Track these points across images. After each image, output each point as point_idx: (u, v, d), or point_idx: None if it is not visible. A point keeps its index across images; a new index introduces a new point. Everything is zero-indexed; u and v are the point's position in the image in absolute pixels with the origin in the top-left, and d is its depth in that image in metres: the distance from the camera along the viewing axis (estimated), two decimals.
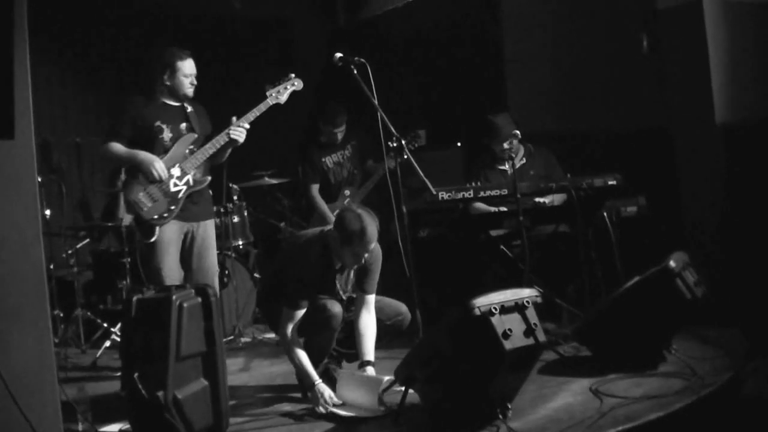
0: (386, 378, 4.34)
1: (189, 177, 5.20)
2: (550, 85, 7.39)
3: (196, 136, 5.27)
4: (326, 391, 4.48)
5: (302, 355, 4.56)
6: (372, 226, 4.49)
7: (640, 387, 4.35)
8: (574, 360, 5.10)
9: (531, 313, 3.88)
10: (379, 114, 4.82)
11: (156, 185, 5.12)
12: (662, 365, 4.69)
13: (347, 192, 6.79)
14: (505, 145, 6.00)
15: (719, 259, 5.94)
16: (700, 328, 5.18)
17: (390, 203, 4.84)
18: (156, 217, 5.11)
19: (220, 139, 5.17)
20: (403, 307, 4.90)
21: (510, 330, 3.73)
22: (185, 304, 3.90)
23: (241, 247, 7.06)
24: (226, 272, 6.80)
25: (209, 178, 5.36)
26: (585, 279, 5.68)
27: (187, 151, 5.23)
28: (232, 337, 6.56)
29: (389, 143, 4.92)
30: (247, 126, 5.18)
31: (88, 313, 6.68)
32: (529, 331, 3.83)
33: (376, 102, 4.81)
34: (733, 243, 6.00)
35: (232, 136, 5.15)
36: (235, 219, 6.93)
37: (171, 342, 3.82)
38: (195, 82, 5.28)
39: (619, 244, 5.58)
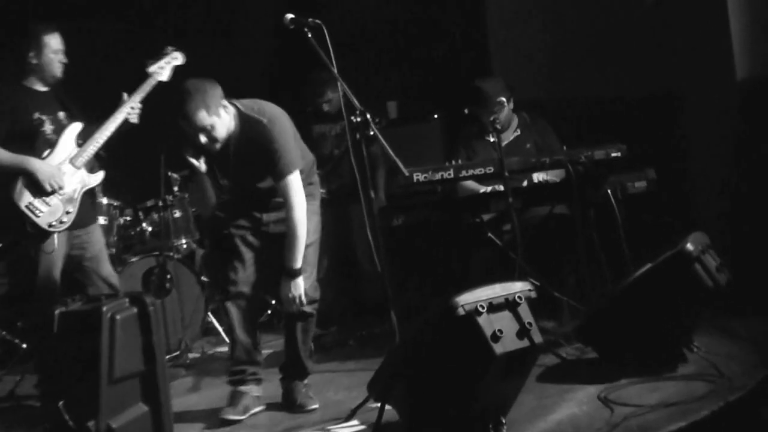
0: None
1: (82, 174, 5.13)
2: (540, 47, 7.40)
3: (81, 125, 5.16)
4: None
5: None
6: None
7: (657, 393, 4.36)
8: (578, 363, 5.12)
9: (524, 311, 3.88)
10: (339, 84, 4.74)
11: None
12: (682, 366, 4.71)
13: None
14: (492, 117, 5.98)
15: (742, 239, 5.95)
16: (724, 321, 5.20)
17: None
18: (54, 222, 4.99)
19: (112, 125, 5.09)
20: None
21: (500, 331, 3.72)
22: (118, 317, 3.89)
23: (184, 246, 7.01)
24: (169, 277, 6.75)
25: (103, 173, 5.28)
26: (587, 268, 5.68)
27: (75, 144, 5.12)
28: (177, 353, 6.53)
29: (352, 118, 4.81)
30: (140, 106, 5.18)
31: (3, 333, 6.59)
32: (522, 332, 3.82)
33: (335, 70, 4.71)
34: (755, 220, 6.02)
35: (131, 120, 5.13)
36: (177, 214, 6.88)
37: (102, 361, 3.80)
38: (64, 60, 5.17)
39: (626, 226, 5.58)
